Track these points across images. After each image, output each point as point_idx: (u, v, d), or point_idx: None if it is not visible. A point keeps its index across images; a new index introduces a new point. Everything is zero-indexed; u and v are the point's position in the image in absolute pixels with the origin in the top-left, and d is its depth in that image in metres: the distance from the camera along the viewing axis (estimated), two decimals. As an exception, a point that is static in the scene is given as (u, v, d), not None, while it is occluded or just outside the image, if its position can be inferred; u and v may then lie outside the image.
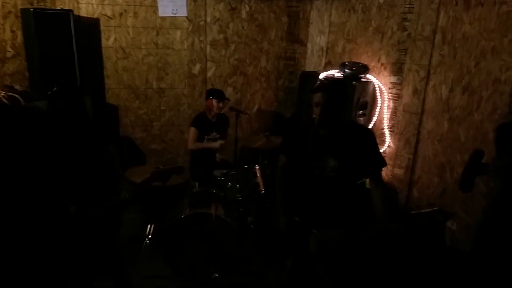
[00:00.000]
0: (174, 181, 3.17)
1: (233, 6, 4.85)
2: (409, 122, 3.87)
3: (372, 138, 2.36)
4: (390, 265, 2.17)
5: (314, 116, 2.26)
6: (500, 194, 2.50)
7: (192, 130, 4.09)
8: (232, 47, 5.00)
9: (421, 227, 1.95)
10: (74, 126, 2.42)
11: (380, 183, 2.35)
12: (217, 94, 4.09)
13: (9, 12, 3.66)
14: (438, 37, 3.52)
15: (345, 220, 2.28)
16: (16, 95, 3.26)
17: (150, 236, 3.41)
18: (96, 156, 2.48)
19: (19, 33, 3.77)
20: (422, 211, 2.04)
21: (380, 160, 2.35)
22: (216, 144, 4.07)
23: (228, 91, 4.87)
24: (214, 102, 4.03)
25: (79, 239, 2.41)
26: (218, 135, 4.18)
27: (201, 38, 4.85)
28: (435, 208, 2.01)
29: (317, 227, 2.26)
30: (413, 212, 2.03)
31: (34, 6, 3.93)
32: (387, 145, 4.13)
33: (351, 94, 3.93)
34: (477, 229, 2.70)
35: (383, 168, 2.42)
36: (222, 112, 4.18)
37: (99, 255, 2.55)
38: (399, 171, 4.00)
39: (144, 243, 3.37)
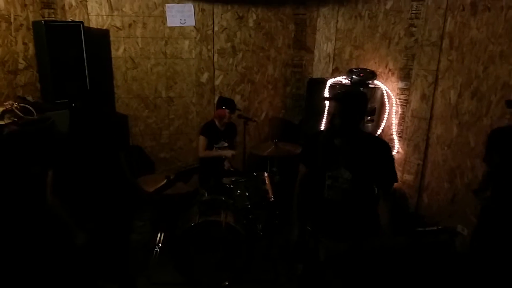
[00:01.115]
0: (184, 189, 3.20)
1: (240, 15, 4.90)
2: (417, 127, 3.86)
3: (387, 152, 2.34)
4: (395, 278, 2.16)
5: (325, 123, 2.27)
6: (492, 196, 2.51)
7: (202, 138, 4.12)
8: (240, 55, 5.04)
9: (427, 245, 1.94)
10: (91, 135, 2.46)
11: (389, 198, 2.35)
12: (230, 105, 4.10)
13: (21, 25, 3.74)
14: (446, 42, 3.52)
15: (354, 231, 2.27)
16: (28, 106, 3.32)
17: (160, 244, 3.43)
18: (108, 163, 2.52)
19: (31, 45, 3.84)
20: (427, 229, 2.02)
21: (393, 175, 2.33)
22: (228, 154, 4.09)
23: (236, 99, 4.89)
24: (227, 112, 4.06)
25: (90, 243, 2.43)
26: (226, 143, 4.20)
27: (209, 47, 4.91)
28: (440, 227, 2.00)
29: (327, 236, 2.26)
30: (419, 229, 2.01)
31: (46, 18, 4.02)
32: (396, 150, 4.12)
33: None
34: (473, 231, 2.70)
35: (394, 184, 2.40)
36: (230, 120, 4.21)
37: (108, 259, 2.57)
38: (408, 177, 3.98)
39: (155, 251, 3.39)
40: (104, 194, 2.49)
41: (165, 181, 3.13)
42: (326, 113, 4.14)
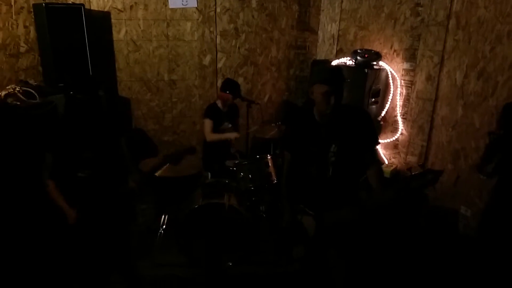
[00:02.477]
0: (187, 172, 3.20)
1: (243, -5, 4.82)
2: (422, 109, 3.83)
3: (366, 118, 2.38)
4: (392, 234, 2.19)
5: (316, 104, 2.25)
6: (500, 178, 2.51)
7: (208, 121, 4.07)
8: (243, 37, 4.98)
9: (415, 189, 1.97)
10: (89, 119, 2.46)
11: (374, 161, 2.38)
12: (235, 90, 4.06)
13: (22, 7, 3.70)
14: (452, 22, 3.46)
15: (345, 201, 2.30)
16: (31, 90, 3.32)
17: (164, 227, 3.46)
18: (109, 148, 2.52)
19: (32, 28, 3.82)
20: (413, 173, 2.04)
21: (374, 138, 2.38)
22: (233, 136, 4.07)
23: (239, 81, 4.84)
24: (231, 97, 4.03)
25: (90, 232, 2.46)
26: (230, 125, 4.18)
27: (211, 29, 4.84)
28: (425, 169, 2.02)
29: (321, 210, 2.30)
30: (405, 176, 2.04)
31: (46, 1, 3.97)
32: (400, 132, 4.09)
33: (363, 82, 3.90)
34: (481, 214, 2.71)
35: (377, 147, 2.45)
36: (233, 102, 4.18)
37: (110, 248, 2.60)
38: (412, 158, 3.97)
39: (159, 234, 3.42)
40: (104, 180, 2.50)
41: (167, 165, 3.14)
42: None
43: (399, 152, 4.16)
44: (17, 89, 3.26)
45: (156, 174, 3.13)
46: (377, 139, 2.42)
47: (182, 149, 2.98)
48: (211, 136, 4.07)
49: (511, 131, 2.41)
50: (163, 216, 3.54)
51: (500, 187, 2.54)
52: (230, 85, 4.10)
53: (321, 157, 2.31)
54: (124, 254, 2.75)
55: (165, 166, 3.21)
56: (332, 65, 4.24)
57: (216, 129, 4.12)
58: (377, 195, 2.27)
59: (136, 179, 2.72)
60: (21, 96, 3.23)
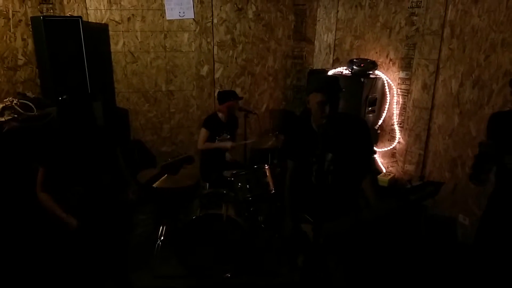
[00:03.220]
0: (185, 183, 3.20)
1: (240, 6, 4.86)
2: (419, 117, 3.84)
3: (364, 128, 2.42)
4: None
5: (316, 115, 2.27)
6: (496, 184, 2.52)
7: (203, 131, 4.09)
8: (240, 47, 5.02)
9: (416, 201, 1.98)
10: (82, 132, 2.46)
11: (370, 171, 2.42)
12: (234, 94, 4.10)
13: (20, 20, 3.73)
14: (447, 31, 3.49)
15: (345, 209, 2.32)
16: (28, 103, 3.33)
17: (162, 237, 3.45)
18: (104, 160, 2.51)
19: (30, 41, 3.84)
20: (414, 185, 2.05)
21: (370, 149, 2.43)
22: (227, 145, 4.08)
23: (236, 92, 4.87)
24: (235, 102, 4.05)
25: (87, 242, 2.45)
26: (229, 136, 4.19)
27: (209, 40, 4.88)
28: (425, 181, 2.02)
29: (321, 219, 2.29)
30: (405, 188, 2.05)
31: (44, 14, 4.01)
32: (397, 141, 4.10)
33: (360, 91, 3.92)
34: (479, 222, 2.71)
35: (373, 157, 2.55)
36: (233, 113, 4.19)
37: (107, 257, 2.58)
38: (410, 167, 3.97)
39: (157, 244, 3.41)
40: (101, 192, 2.49)
41: (165, 176, 3.14)
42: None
43: (396, 160, 4.17)
44: (15, 101, 3.27)
45: (154, 185, 3.14)
46: (373, 148, 2.45)
47: (180, 158, 2.98)
48: (202, 145, 4.09)
49: (499, 140, 2.42)
50: (161, 227, 3.53)
51: (496, 195, 2.54)
52: (228, 94, 4.13)
53: (319, 166, 2.32)
54: (119, 263, 2.74)
55: (163, 177, 3.21)
56: (328, 75, 4.27)
57: (214, 139, 4.13)
58: (375, 206, 2.28)
59: (135, 190, 2.72)
60: (19, 109, 3.24)
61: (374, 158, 2.48)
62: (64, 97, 2.51)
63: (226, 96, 4.10)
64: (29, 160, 2.75)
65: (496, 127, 2.51)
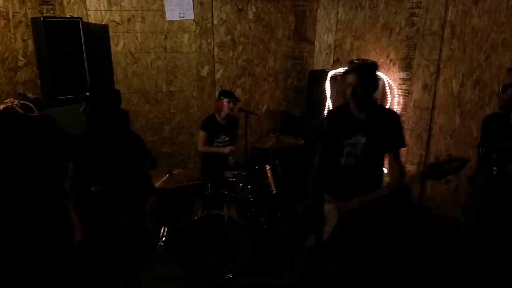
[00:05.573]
0: (186, 183, 3.20)
1: (240, 7, 4.86)
2: (420, 117, 3.84)
3: (398, 121, 2.51)
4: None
5: (346, 97, 2.39)
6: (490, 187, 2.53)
7: (201, 133, 4.11)
8: (240, 48, 5.02)
9: (440, 175, 2.04)
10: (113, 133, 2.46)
11: (398, 161, 2.48)
12: (228, 93, 4.11)
13: (20, 21, 3.73)
14: (447, 31, 3.49)
15: (365, 192, 2.38)
16: (29, 103, 3.31)
17: (163, 238, 3.44)
18: (131, 165, 2.52)
19: (30, 42, 3.84)
20: (440, 160, 2.08)
21: (401, 141, 2.51)
22: (226, 150, 4.08)
23: (237, 92, 4.88)
24: (225, 102, 4.05)
25: (96, 245, 2.44)
26: (227, 138, 4.19)
27: (209, 40, 4.88)
28: (451, 156, 2.05)
29: (340, 199, 2.43)
30: (432, 163, 2.09)
31: (44, 15, 4.00)
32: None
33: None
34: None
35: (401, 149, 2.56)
36: (232, 113, 4.19)
37: (115, 259, 2.57)
38: (411, 167, 3.97)
39: (158, 245, 3.40)
40: (117, 198, 2.48)
41: (167, 175, 3.15)
42: (328, 98, 4.25)
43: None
44: (15, 102, 3.25)
45: (156, 185, 3.13)
46: (404, 142, 2.52)
47: (193, 184, 3.02)
48: (201, 148, 4.11)
49: (493, 142, 2.43)
50: (162, 228, 3.53)
51: (490, 199, 2.55)
52: (223, 92, 4.16)
53: (351, 148, 2.44)
54: (128, 264, 2.72)
55: (164, 177, 3.21)
56: (364, 60, 4.20)
57: (212, 141, 4.14)
58: (401, 177, 2.33)
59: (155, 202, 2.66)
60: (19, 110, 3.22)
61: (400, 150, 2.54)
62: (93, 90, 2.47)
63: (220, 95, 4.13)
64: (30, 159, 2.73)
65: (490, 129, 2.53)
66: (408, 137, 4.00)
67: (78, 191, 2.42)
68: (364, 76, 2.32)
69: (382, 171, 2.58)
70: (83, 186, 2.42)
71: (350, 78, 2.32)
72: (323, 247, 2.37)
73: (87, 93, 2.41)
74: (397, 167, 2.44)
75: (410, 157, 3.98)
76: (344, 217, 2.40)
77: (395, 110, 3.95)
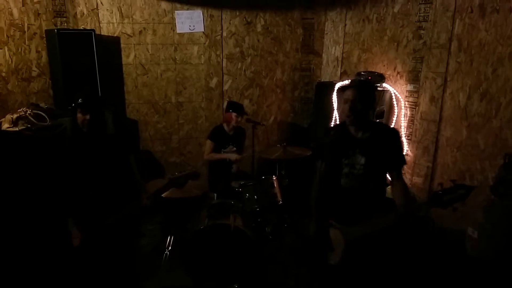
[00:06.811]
0: (193, 193, 3.23)
1: (249, 20, 4.94)
2: (427, 130, 3.84)
3: (397, 138, 2.46)
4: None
5: (343, 113, 2.35)
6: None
7: (208, 143, 4.15)
8: (248, 60, 5.09)
9: (449, 202, 2.01)
10: (95, 140, 2.51)
11: (400, 180, 2.42)
12: (237, 108, 4.14)
13: (34, 33, 3.84)
14: (454, 44, 3.51)
15: (369, 215, 2.34)
16: (41, 113, 3.41)
17: (170, 248, 3.46)
18: (117, 167, 2.56)
19: (43, 53, 3.94)
20: (445, 187, 2.06)
21: (402, 159, 2.45)
22: (232, 156, 4.11)
23: (245, 103, 4.93)
24: (234, 116, 4.09)
25: (98, 249, 2.47)
26: (234, 148, 4.22)
27: (218, 52, 4.96)
28: (457, 183, 2.04)
29: (344, 223, 2.36)
30: (438, 191, 2.07)
31: (58, 27, 4.12)
32: (405, 153, 4.09)
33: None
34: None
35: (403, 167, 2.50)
36: (238, 125, 4.24)
37: (116, 265, 2.60)
38: (418, 180, 3.96)
39: (164, 254, 3.42)
40: (112, 198, 2.53)
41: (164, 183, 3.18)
42: (335, 110, 4.22)
43: (404, 173, 4.16)
44: (28, 112, 3.35)
45: (163, 195, 3.16)
46: (404, 159, 2.48)
47: (186, 173, 3.03)
48: (207, 156, 4.15)
49: None
50: (169, 237, 3.55)
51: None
52: (231, 105, 4.20)
53: (350, 169, 2.39)
54: (128, 272, 2.75)
55: (170, 189, 3.24)
56: (367, 79, 4.17)
57: (219, 151, 4.17)
58: (399, 212, 2.29)
59: (150, 196, 2.75)
60: (32, 119, 3.31)
61: (403, 167, 2.51)
62: (80, 100, 2.56)
63: (229, 107, 4.17)
64: (41, 168, 2.80)
65: None
66: (415, 149, 4.00)
67: (72, 194, 2.47)
68: (361, 92, 2.29)
69: (384, 190, 2.52)
70: (76, 192, 2.47)
71: (347, 94, 2.29)
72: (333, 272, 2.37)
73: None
74: (400, 185, 2.38)
75: (417, 169, 3.97)
76: (351, 245, 2.33)
77: (393, 126, 3.93)
